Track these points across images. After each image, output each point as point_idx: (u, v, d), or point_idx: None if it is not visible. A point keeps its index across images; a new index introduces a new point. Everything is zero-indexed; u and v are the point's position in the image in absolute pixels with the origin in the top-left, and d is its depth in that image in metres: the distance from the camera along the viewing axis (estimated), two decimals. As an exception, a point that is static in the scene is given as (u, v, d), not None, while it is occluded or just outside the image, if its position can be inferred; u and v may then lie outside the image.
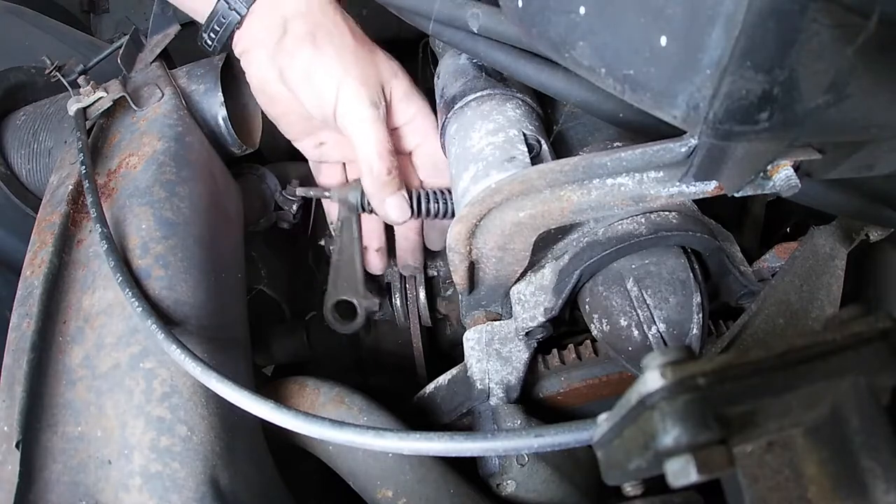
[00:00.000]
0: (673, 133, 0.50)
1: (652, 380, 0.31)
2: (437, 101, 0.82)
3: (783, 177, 0.49)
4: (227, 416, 0.62)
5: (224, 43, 0.76)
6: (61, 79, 0.83)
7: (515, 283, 0.69)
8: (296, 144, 0.85)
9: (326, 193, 0.83)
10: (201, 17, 0.75)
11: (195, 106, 0.83)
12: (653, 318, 0.61)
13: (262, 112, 0.84)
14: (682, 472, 0.30)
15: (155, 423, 0.58)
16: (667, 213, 0.64)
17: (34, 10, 1.09)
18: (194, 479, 0.57)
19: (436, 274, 0.91)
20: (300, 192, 0.86)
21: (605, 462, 0.37)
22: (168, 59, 0.89)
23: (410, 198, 0.78)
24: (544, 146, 0.71)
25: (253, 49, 0.74)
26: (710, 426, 0.30)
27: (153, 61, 0.86)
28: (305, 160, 0.89)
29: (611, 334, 0.63)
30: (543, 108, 0.78)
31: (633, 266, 0.63)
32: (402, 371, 0.95)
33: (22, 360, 0.61)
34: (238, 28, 0.74)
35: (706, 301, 0.63)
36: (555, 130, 0.78)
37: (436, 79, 0.85)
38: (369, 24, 0.81)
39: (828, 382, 0.33)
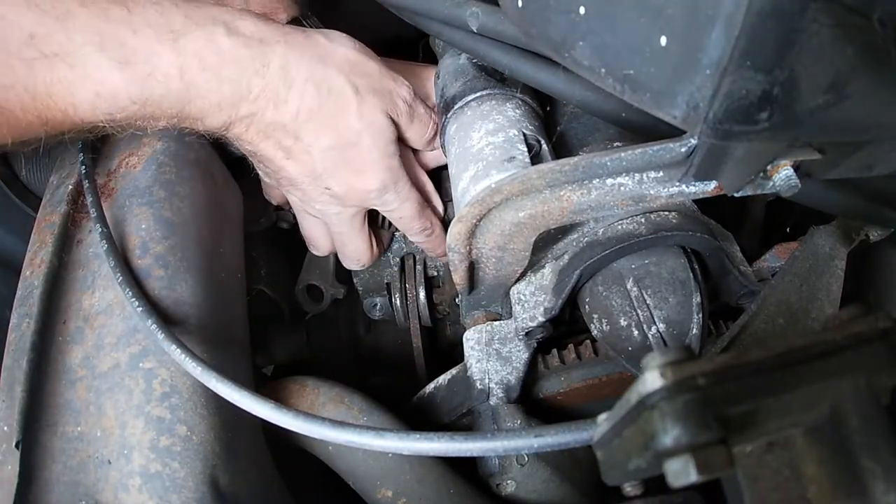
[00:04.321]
0: (673, 133, 0.50)
1: (652, 380, 0.31)
2: (437, 101, 0.82)
3: (783, 177, 0.49)
4: (227, 416, 0.62)
5: None
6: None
7: (515, 283, 0.69)
8: None
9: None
10: None
11: (195, 106, 0.82)
12: (653, 318, 0.61)
13: None
14: (682, 472, 0.30)
15: (155, 423, 0.58)
16: (667, 213, 0.64)
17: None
18: (194, 479, 0.57)
19: (436, 274, 0.91)
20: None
21: (605, 462, 0.37)
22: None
23: None
24: (544, 146, 0.71)
25: None
26: (710, 426, 0.30)
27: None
28: None
29: (611, 334, 0.63)
30: (545, 108, 0.78)
31: (633, 266, 0.63)
32: (402, 371, 0.95)
33: (22, 360, 0.61)
34: None
35: (706, 301, 0.63)
36: (557, 131, 0.78)
37: (435, 79, 0.85)
38: (369, 23, 0.81)
39: (828, 382, 0.33)
